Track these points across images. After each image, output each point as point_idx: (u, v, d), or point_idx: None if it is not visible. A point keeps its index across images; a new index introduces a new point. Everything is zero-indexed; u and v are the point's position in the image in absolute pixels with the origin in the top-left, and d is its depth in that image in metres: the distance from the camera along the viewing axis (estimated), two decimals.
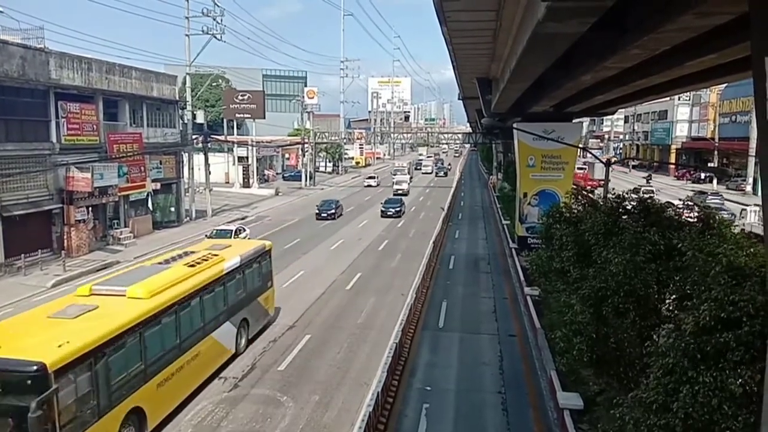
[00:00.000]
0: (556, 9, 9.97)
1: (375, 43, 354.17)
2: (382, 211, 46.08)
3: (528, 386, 16.29)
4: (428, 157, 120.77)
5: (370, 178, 73.96)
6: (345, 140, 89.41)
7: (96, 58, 33.72)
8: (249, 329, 18.65)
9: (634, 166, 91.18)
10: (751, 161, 58.54)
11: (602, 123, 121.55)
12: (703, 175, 69.31)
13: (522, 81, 20.56)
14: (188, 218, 43.83)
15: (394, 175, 71.32)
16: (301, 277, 27.50)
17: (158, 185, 39.15)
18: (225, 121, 71.89)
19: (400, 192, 60.18)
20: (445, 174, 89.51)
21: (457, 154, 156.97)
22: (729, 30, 10.97)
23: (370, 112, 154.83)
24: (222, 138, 63.00)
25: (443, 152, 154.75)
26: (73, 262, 29.24)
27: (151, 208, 38.54)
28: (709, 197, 50.95)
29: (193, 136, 46.47)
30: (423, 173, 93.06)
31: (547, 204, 25.90)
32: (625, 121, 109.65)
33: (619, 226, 13.55)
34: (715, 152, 73.12)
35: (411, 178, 74.86)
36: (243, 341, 18.18)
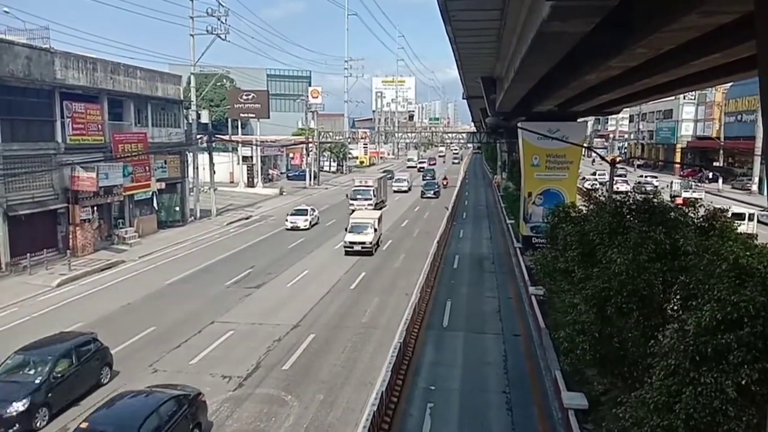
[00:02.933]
0: (561, 8, 9.95)
1: (379, 43, 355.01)
2: None
3: (532, 386, 16.30)
4: (420, 162, 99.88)
5: (297, 213, 41.27)
6: (349, 140, 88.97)
7: (101, 58, 33.83)
8: None
9: (638, 166, 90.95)
10: (757, 160, 58.31)
11: (607, 122, 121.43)
12: (711, 175, 69.09)
13: (526, 80, 20.53)
14: (193, 218, 43.93)
15: (353, 200, 45.55)
16: (305, 277, 27.53)
17: (163, 185, 39.22)
18: (229, 120, 72.03)
19: (359, 247, 31.51)
20: (436, 194, 59.37)
21: (456, 160, 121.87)
22: (734, 29, 10.93)
23: (374, 111, 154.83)
24: (226, 137, 63.10)
25: (440, 155, 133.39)
26: (78, 261, 29.33)
27: (155, 207, 38.66)
28: (618, 170, 66.49)
29: (198, 136, 46.54)
30: (396, 191, 62.74)
31: (551, 203, 25.87)
32: (630, 121, 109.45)
33: (623, 225, 13.51)
34: (721, 151, 72.87)
35: (382, 204, 50.12)
36: None
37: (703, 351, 8.23)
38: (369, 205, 44.53)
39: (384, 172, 66.42)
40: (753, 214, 37.30)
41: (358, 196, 46.14)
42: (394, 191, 62.29)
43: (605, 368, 12.77)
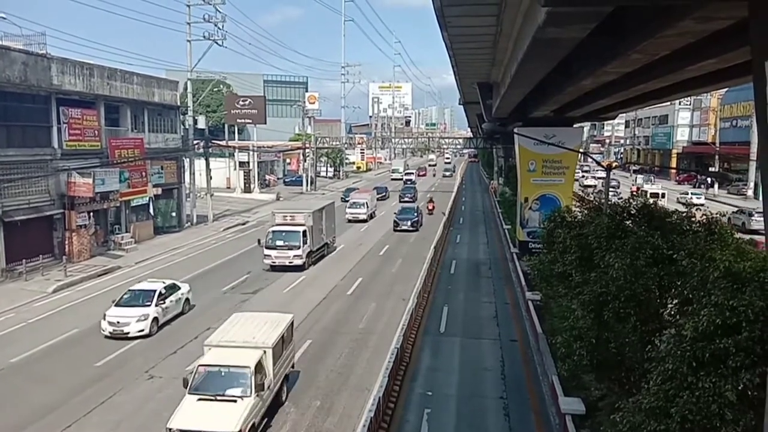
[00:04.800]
0: (557, 14, 9.98)
1: (376, 49, 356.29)
2: None
3: (530, 391, 16.26)
4: (407, 173, 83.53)
5: (129, 302, 20.48)
6: (346, 145, 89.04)
7: (97, 63, 33.83)
8: None
9: (634, 171, 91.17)
10: (752, 165, 58.56)
11: (603, 128, 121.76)
12: (710, 180, 69.30)
13: (523, 86, 20.59)
14: (189, 223, 43.85)
15: (269, 250, 29.12)
16: (302, 282, 27.48)
17: (159, 190, 39.19)
18: (226, 126, 72.02)
19: None
20: (414, 225, 41.75)
21: (448, 173, 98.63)
22: (729, 35, 10.98)
23: (371, 117, 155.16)
24: (223, 143, 63.07)
25: (430, 164, 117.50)
26: (74, 267, 29.24)
27: (152, 213, 38.59)
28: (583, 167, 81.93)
29: (195, 142, 46.54)
30: (351, 219, 45.18)
31: (548, 208, 25.92)
32: (626, 126, 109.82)
33: (621, 229, 13.54)
34: (716, 157, 73.10)
35: (326, 250, 32.92)
36: None
37: (700, 356, 8.24)
38: (297, 256, 28.82)
39: (347, 190, 54.29)
40: (664, 194, 50.76)
41: (278, 243, 29.10)
42: (348, 220, 44.92)
43: (602, 373, 12.78)
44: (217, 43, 44.26)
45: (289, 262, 28.98)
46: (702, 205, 42.93)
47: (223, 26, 44.36)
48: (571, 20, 10.53)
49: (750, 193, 59.82)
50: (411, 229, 41.49)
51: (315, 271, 29.79)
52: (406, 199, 55.52)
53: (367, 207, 46.60)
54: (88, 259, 31.21)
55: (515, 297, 25.61)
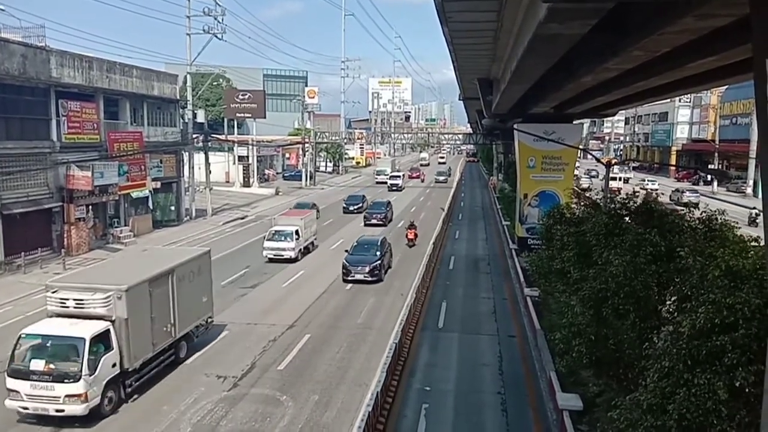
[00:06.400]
0: (558, 10, 9.97)
1: (376, 43, 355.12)
2: None
3: (527, 387, 16.30)
4: (392, 176, 68.87)
5: None
6: (345, 140, 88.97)
7: (97, 56, 33.76)
8: None
9: (634, 168, 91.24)
10: (752, 163, 58.57)
11: (603, 124, 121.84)
12: (709, 178, 69.32)
13: (523, 82, 20.57)
14: (188, 217, 43.84)
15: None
16: (300, 277, 27.49)
17: (158, 184, 39.17)
18: (225, 120, 71.90)
19: None
20: (376, 274, 26.23)
21: (442, 177, 76.80)
22: (730, 32, 10.98)
23: (370, 112, 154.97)
24: (222, 137, 63.01)
25: (423, 164, 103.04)
26: (73, 260, 29.23)
27: (151, 206, 38.57)
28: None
29: (194, 135, 46.47)
30: (272, 257, 29.65)
31: (547, 205, 25.91)
32: (626, 123, 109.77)
33: (620, 227, 13.55)
34: (716, 154, 73.12)
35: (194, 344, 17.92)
36: None
37: (696, 353, 8.27)
38: (72, 396, 13.02)
39: (297, 205, 41.82)
40: (629, 178, 64.00)
41: (35, 367, 13.23)
42: (270, 258, 29.94)
43: (600, 370, 12.80)
44: (216, 36, 44.23)
45: (57, 410, 13.18)
46: (656, 189, 55.57)
47: (222, 20, 44.44)
48: (572, 16, 10.52)
49: (749, 190, 59.83)
50: (369, 279, 26.08)
51: (315, 263, 29.73)
52: (373, 220, 40.28)
53: (298, 238, 30.23)
54: (87, 253, 31.20)
55: (514, 293, 25.64)
